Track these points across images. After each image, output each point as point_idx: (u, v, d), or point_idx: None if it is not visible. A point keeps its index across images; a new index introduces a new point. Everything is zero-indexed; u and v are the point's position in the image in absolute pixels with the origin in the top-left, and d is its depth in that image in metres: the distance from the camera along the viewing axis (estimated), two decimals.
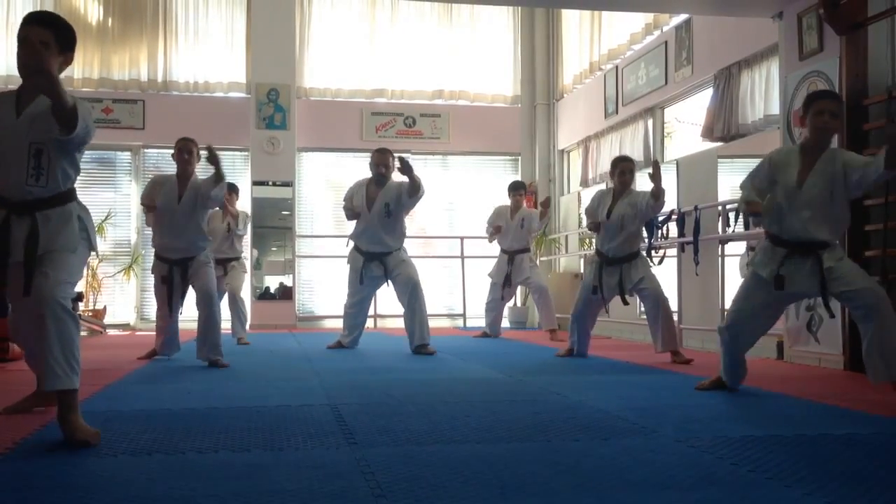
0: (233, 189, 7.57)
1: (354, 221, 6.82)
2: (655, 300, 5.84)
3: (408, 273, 6.63)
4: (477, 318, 11.20)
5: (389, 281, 6.70)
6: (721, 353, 4.17)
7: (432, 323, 6.84)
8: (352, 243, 6.86)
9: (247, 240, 9.04)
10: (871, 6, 5.21)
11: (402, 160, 6.27)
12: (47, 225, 2.93)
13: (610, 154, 9.78)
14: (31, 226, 2.91)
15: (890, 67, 5.32)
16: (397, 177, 6.61)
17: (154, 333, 6.02)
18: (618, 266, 5.88)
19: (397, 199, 6.58)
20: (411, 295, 6.55)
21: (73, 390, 2.79)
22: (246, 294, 10.46)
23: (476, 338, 8.50)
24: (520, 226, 8.43)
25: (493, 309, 8.63)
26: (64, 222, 2.96)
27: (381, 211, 6.59)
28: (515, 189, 8.62)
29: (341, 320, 7.06)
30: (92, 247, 3.08)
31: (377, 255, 6.67)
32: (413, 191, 6.44)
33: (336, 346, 6.87)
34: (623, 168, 6.01)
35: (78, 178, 3.06)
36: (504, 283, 8.42)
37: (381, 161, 6.64)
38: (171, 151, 5.70)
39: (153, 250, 5.86)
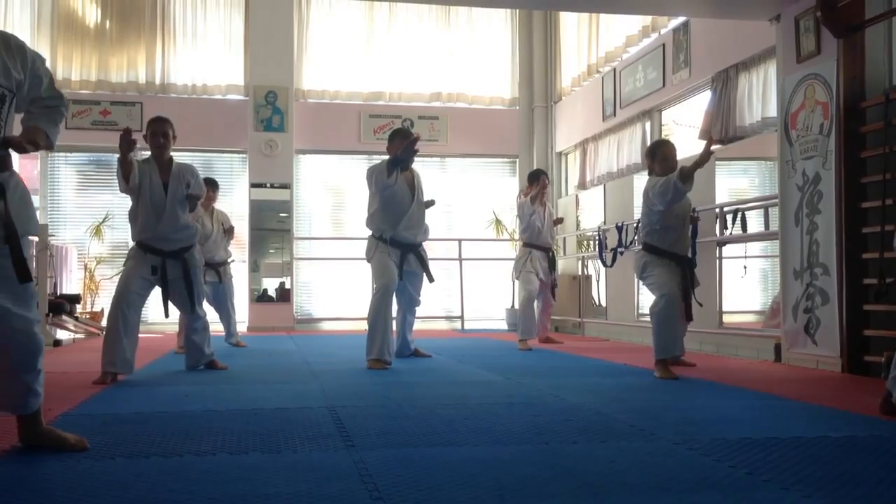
0: (213, 185, 7.27)
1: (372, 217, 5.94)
2: None
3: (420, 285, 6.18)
4: (474, 321, 11.23)
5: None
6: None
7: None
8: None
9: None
10: (868, 9, 5.22)
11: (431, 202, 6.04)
12: None
13: (608, 156, 9.80)
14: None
15: (887, 70, 5.34)
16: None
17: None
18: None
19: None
20: (414, 305, 6.30)
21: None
22: (243, 295, 10.48)
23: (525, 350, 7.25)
24: (552, 220, 7.84)
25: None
26: None
27: (420, 198, 5.99)
28: (537, 177, 7.64)
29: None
30: None
31: (413, 247, 5.98)
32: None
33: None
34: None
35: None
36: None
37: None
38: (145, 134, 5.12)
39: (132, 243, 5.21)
